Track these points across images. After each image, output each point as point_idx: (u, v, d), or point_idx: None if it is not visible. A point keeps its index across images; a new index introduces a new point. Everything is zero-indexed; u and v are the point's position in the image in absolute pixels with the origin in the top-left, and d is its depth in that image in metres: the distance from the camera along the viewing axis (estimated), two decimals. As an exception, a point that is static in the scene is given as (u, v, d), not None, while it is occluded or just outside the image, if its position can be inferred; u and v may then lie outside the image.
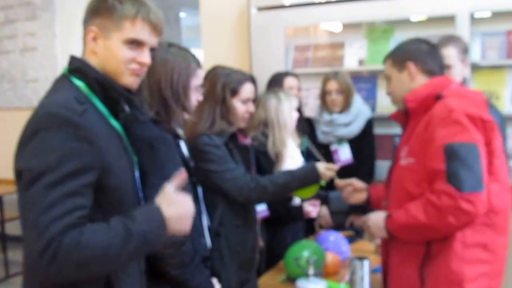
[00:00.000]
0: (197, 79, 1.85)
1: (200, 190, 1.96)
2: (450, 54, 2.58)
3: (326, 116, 3.09)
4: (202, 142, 2.09)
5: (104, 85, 1.34)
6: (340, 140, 3.04)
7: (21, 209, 1.19)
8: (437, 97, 1.83)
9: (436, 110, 1.81)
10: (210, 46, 4.19)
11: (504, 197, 1.84)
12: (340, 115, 3.04)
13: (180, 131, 1.95)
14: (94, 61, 1.36)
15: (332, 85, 3.04)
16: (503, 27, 3.27)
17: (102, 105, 1.34)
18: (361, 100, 3.23)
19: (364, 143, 3.12)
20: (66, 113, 1.21)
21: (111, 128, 1.36)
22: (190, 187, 1.80)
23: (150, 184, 1.58)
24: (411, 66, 1.91)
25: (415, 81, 1.91)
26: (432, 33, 3.38)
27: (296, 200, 2.65)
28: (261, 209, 2.50)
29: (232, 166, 2.12)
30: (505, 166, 1.87)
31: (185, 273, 1.74)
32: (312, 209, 2.66)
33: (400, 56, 1.95)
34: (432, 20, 3.42)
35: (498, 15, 3.27)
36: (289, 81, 3.02)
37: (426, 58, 1.93)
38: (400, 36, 3.39)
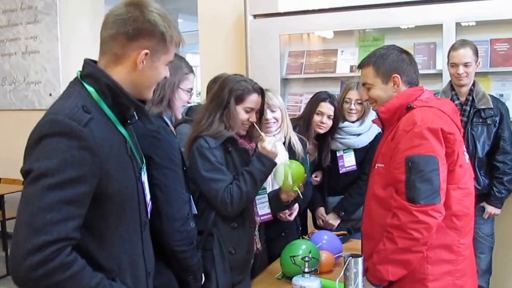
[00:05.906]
0: (189, 83, 2.05)
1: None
2: (468, 54, 2.95)
3: (340, 123, 3.05)
4: (198, 145, 2.16)
5: (115, 92, 1.36)
6: (348, 147, 3.05)
7: (19, 206, 1.21)
8: (408, 108, 1.94)
9: (403, 121, 1.91)
10: (208, 52, 4.29)
11: (466, 201, 1.94)
12: (353, 124, 3.04)
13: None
14: (121, 71, 1.37)
15: (353, 95, 3.00)
16: (487, 36, 3.42)
17: (110, 111, 1.37)
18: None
19: (370, 154, 2.98)
20: (71, 123, 1.23)
21: (117, 134, 1.38)
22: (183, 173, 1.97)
23: (157, 166, 1.76)
24: (397, 79, 1.98)
25: (398, 91, 1.99)
26: (420, 41, 3.57)
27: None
28: (264, 212, 2.43)
29: (219, 177, 2.15)
30: (468, 172, 1.99)
31: (187, 251, 1.87)
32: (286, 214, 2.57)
33: (386, 69, 1.99)
34: (420, 28, 3.57)
35: (482, 24, 3.42)
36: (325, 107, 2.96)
37: (409, 69, 2.00)
38: (390, 43, 3.50)
